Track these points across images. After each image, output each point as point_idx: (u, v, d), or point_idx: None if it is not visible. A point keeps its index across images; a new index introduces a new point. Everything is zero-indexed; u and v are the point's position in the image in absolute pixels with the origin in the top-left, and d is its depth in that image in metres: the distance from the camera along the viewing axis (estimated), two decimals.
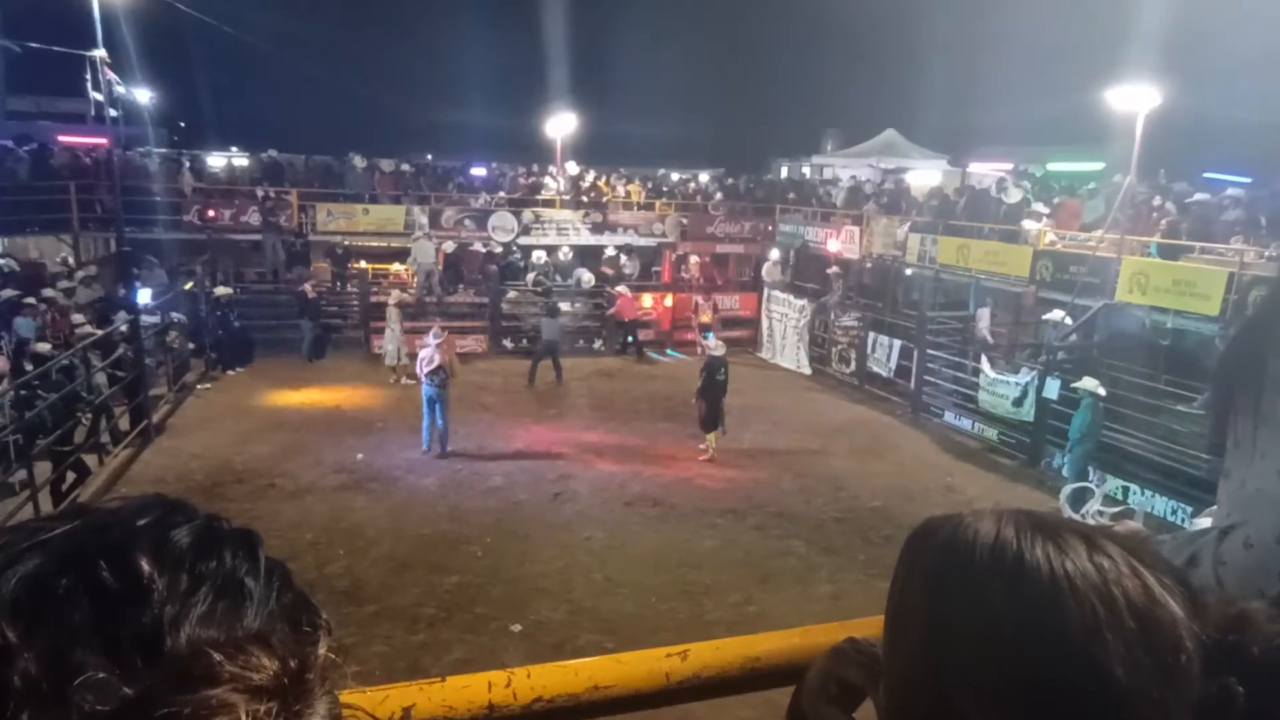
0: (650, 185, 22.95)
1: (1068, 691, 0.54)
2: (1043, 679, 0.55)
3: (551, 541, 9.02)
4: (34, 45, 17.60)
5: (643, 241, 20.61)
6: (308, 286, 16.80)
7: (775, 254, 19.96)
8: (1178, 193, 14.12)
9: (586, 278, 19.24)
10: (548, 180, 21.68)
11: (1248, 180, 15.60)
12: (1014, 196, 15.35)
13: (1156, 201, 13.76)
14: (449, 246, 18.90)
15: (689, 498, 10.42)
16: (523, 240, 19.74)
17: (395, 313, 15.34)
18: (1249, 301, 9.74)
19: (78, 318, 12.21)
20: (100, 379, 10.88)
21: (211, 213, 18.19)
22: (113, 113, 13.56)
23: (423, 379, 11.17)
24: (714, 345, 12.25)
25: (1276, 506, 0.92)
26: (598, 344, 18.88)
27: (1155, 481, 10.30)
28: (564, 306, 17.93)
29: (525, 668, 0.95)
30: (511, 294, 18.87)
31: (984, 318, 14.81)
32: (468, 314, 18.82)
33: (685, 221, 20.99)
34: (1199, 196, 13.52)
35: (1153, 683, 0.54)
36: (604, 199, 21.29)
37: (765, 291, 19.20)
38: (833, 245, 18.67)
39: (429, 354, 11.10)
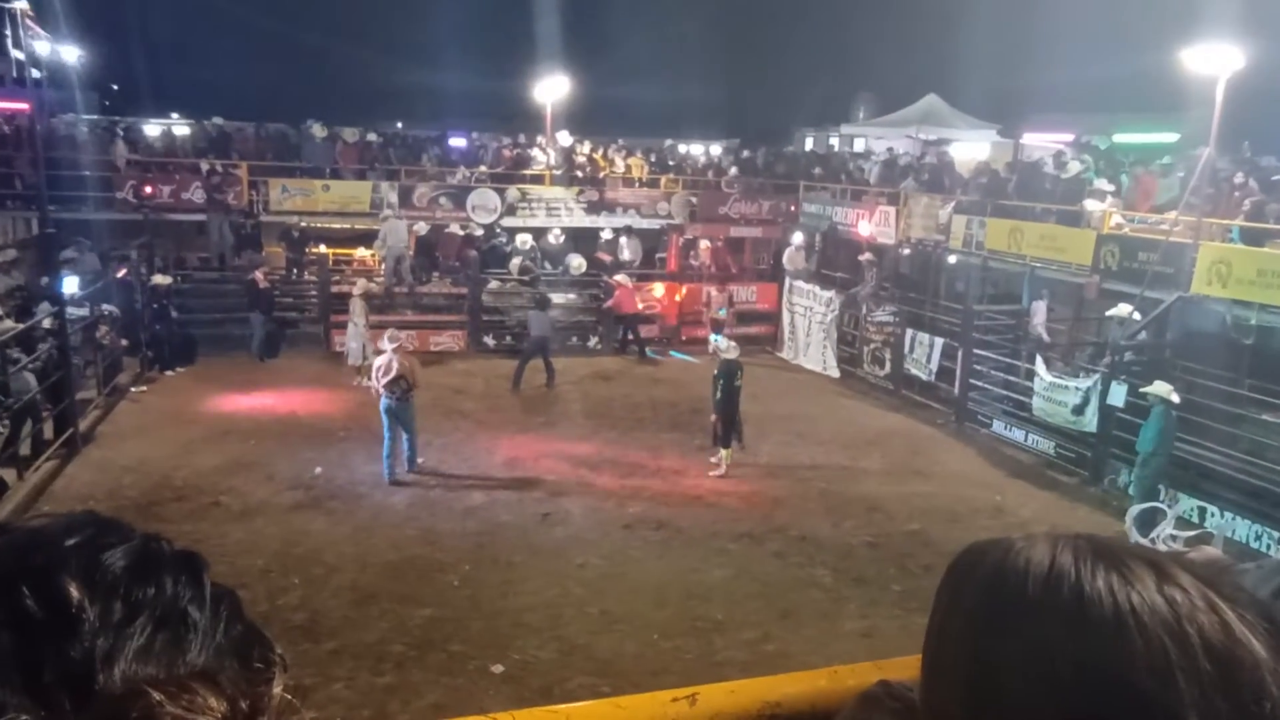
0: (654, 159, 22.97)
1: None
2: None
3: (539, 569, 9.02)
4: None
5: (645, 223, 20.64)
6: (259, 275, 16.83)
7: (798, 238, 19.97)
8: (1264, 169, 14.11)
9: (576, 263, 19.25)
10: (536, 153, 21.71)
11: None
12: (1072, 170, 15.34)
13: (1239, 179, 13.74)
14: (422, 228, 18.92)
15: (698, 519, 10.41)
16: (507, 221, 19.78)
17: (360, 305, 15.32)
18: None
19: None
20: (21, 381, 10.89)
21: (149, 189, 18.20)
22: (35, 74, 13.60)
23: (381, 391, 10.96)
24: (726, 347, 12.25)
25: None
26: (593, 341, 18.89)
27: (1236, 502, 10.28)
28: (556, 298, 17.96)
29: (509, 713, 0.95)
30: (494, 284, 18.90)
31: (1039, 312, 14.79)
32: (444, 307, 18.87)
33: (695, 201, 21.02)
34: None
35: None
36: (601, 174, 21.32)
37: (787, 282, 19.19)
38: (865, 228, 18.67)
39: (386, 361, 10.93)
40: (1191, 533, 9.48)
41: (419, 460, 11.37)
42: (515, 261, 18.94)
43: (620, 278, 18.36)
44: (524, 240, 19.44)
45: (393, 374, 10.81)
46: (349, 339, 15.41)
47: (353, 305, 15.43)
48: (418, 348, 17.73)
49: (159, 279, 16.08)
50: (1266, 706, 0.54)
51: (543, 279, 18.77)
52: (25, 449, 10.87)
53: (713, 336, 17.21)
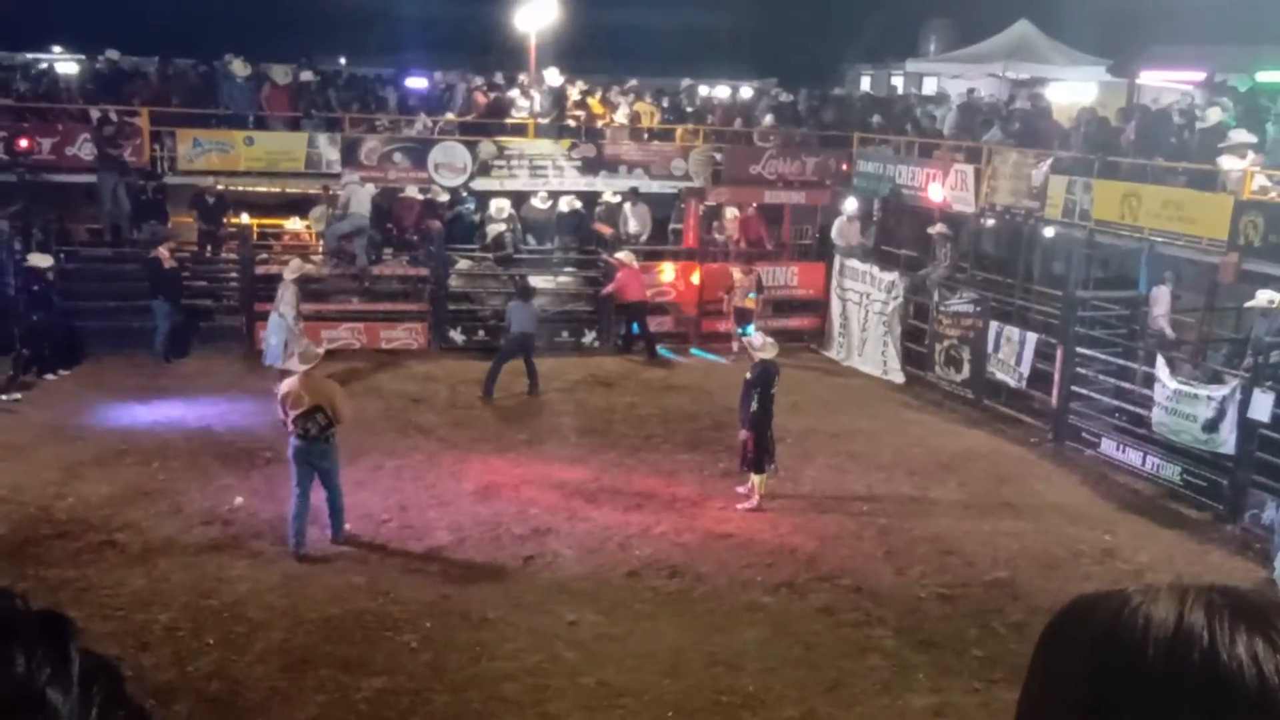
0: (668, 103, 22.99)
1: None
2: None
3: (520, 628, 9.03)
4: None
5: (656, 186, 20.67)
6: (163, 252, 16.89)
7: (851, 206, 19.97)
8: None
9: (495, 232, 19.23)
10: (516, 96, 21.75)
11: None
12: (1212, 119, 15.27)
13: None
14: (370, 191, 18.95)
15: (723, 564, 10.43)
16: (479, 184, 19.81)
17: (291, 291, 15.28)
18: None
19: None
20: None
21: (24, 143, 18.29)
22: None
23: (289, 430, 10.14)
24: (761, 344, 12.24)
25: None
26: (589, 337, 18.92)
27: None
28: (542, 283, 17.98)
29: None
30: (463, 264, 18.93)
31: (1162, 300, 14.76)
32: (399, 293, 18.91)
33: (719, 157, 21.03)
34: None
35: None
36: (599, 124, 21.34)
37: (837, 261, 19.22)
38: (937, 193, 18.65)
39: (293, 389, 10.05)
40: None
41: (346, 527, 10.52)
42: (492, 229, 18.95)
43: (623, 256, 18.36)
44: (500, 208, 19.47)
45: (304, 406, 9.91)
46: (269, 332, 15.28)
47: (282, 291, 15.34)
48: (365, 344, 17.88)
49: (37, 259, 16.13)
50: None
51: (525, 259, 18.82)
52: None
53: (741, 330, 17.27)
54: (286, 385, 10.16)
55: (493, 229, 19.19)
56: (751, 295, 18.59)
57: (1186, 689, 0.58)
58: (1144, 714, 0.59)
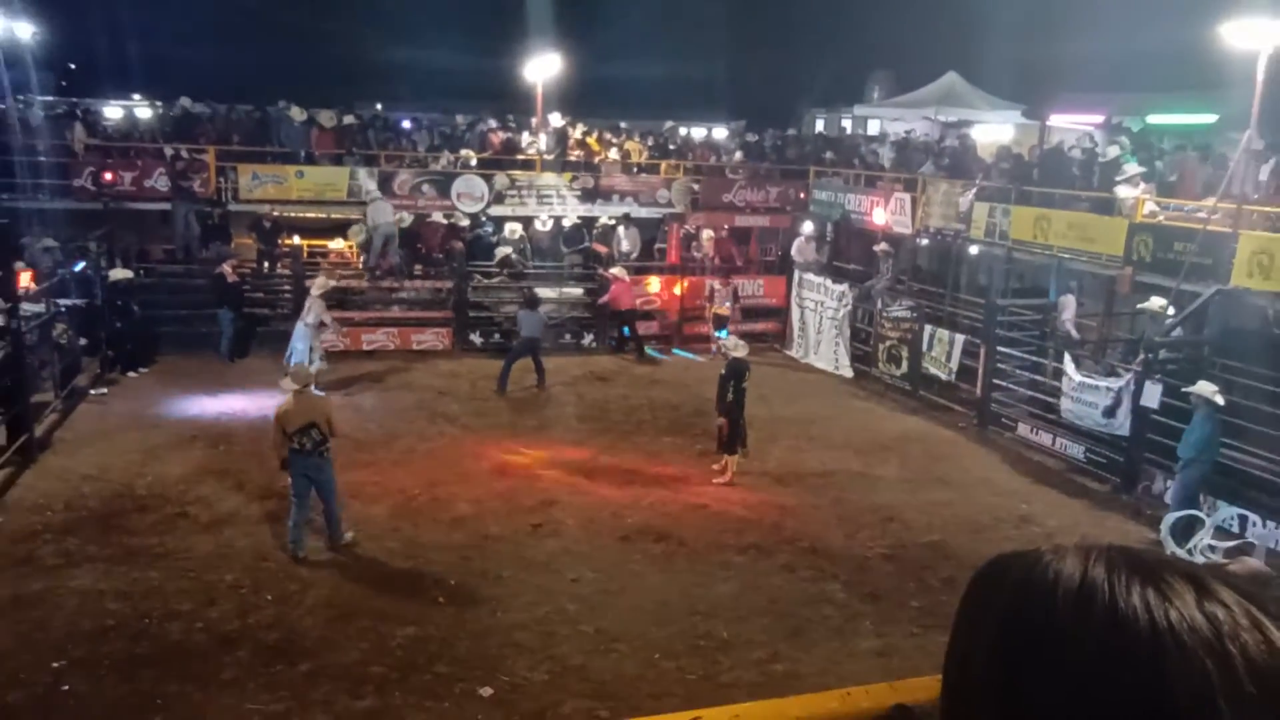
0: (653, 142, 22.97)
1: None
2: None
3: (530, 585, 9.03)
4: None
5: (644, 212, 20.65)
6: (227, 268, 16.83)
7: (809, 228, 19.99)
8: None
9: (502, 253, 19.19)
10: (526, 136, 21.71)
11: None
12: (1112, 154, 15.33)
13: (1271, 162, 13.74)
14: (405, 219, 18.93)
15: (702, 530, 10.43)
16: (495, 210, 19.78)
17: (318, 304, 14.86)
18: None
19: None
20: None
21: (109, 176, 18.19)
22: None
23: (279, 446, 9.38)
24: (734, 345, 12.28)
25: None
26: (588, 339, 18.91)
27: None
28: (548, 293, 17.95)
29: None
30: (480, 278, 18.90)
31: (1069, 306, 14.81)
32: (427, 302, 18.89)
33: (697, 187, 21.02)
34: None
35: None
36: (596, 159, 21.32)
37: (796, 274, 19.21)
38: (879, 217, 18.67)
39: (291, 409, 9.23)
40: (1231, 543, 9.49)
41: (346, 535, 9.68)
42: (500, 251, 18.93)
43: (616, 271, 18.36)
44: (513, 229, 19.46)
45: (299, 423, 9.14)
46: (295, 339, 14.73)
47: (309, 303, 14.91)
48: (399, 346, 17.85)
49: (119, 273, 16.06)
50: None
51: (531, 273, 18.78)
52: None
53: (718, 333, 17.28)
54: (282, 404, 9.32)
55: (501, 250, 19.10)
56: (726, 304, 18.63)
57: (1091, 632, 0.58)
58: (1055, 654, 0.59)
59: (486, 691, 7.30)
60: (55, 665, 7.43)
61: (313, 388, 9.74)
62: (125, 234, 18.21)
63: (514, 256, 19.03)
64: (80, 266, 16.18)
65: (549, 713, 7.02)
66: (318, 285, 15.25)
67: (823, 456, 13.04)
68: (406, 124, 23.61)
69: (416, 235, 19.26)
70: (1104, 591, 0.59)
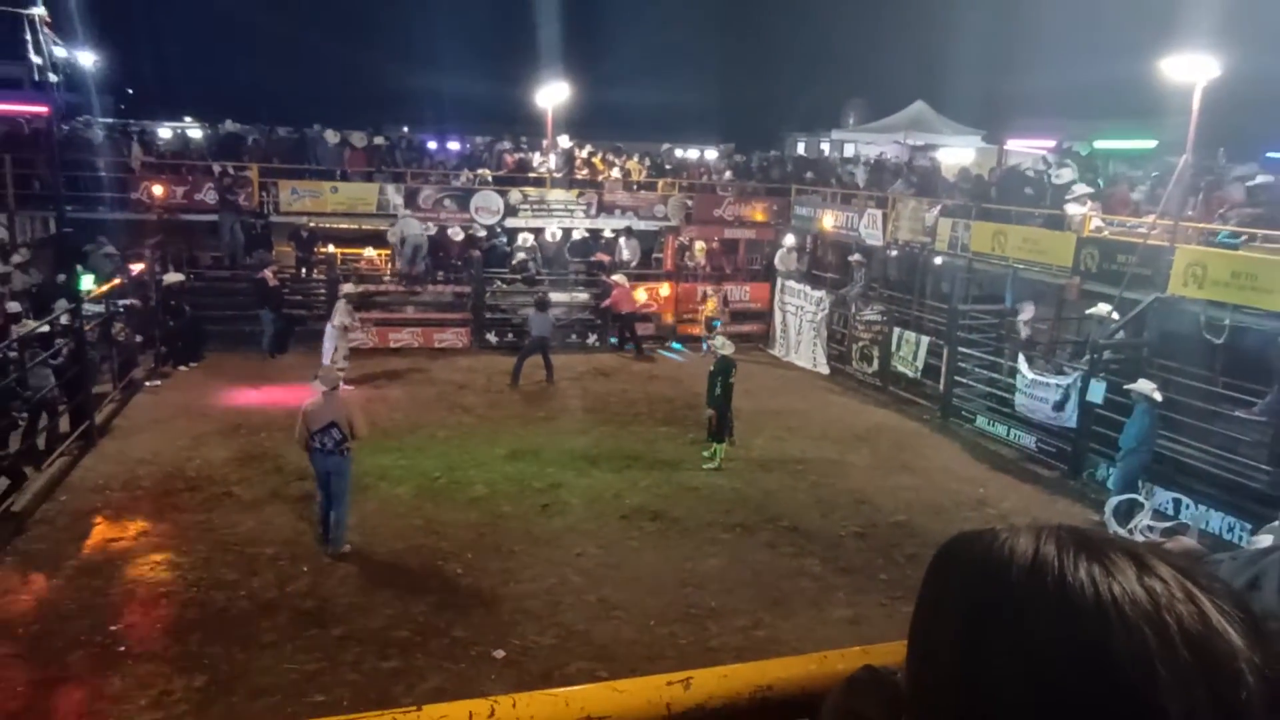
0: (651, 162, 22.94)
1: None
2: (1087, 717, 0.54)
3: (539, 558, 9.02)
4: None
5: (643, 225, 20.63)
6: (268, 273, 16.80)
7: (790, 240, 19.97)
8: (1242, 174, 14.10)
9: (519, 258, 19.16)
10: (537, 156, 21.68)
11: None
12: (1065, 177, 15.30)
13: (1204, 184, 13.73)
14: (430, 229, 18.92)
15: (692, 510, 10.43)
16: (509, 223, 19.77)
17: (342, 309, 14.75)
18: None
19: (13, 306, 12.20)
20: (39, 376, 10.86)
21: (161, 190, 18.16)
22: (53, 78, 13.53)
23: (311, 445, 8.74)
24: (722, 344, 12.27)
25: None
26: (592, 339, 18.90)
27: (1210, 495, 10.32)
28: (557, 296, 17.94)
29: (510, 696, 0.95)
30: (496, 283, 18.89)
31: (1027, 311, 14.79)
32: (448, 305, 18.88)
33: (690, 203, 21.00)
34: (1261, 179, 13.51)
35: None
36: (600, 177, 21.29)
37: (779, 281, 19.20)
38: (828, 222, 18.64)
39: (315, 408, 8.66)
40: (1167, 524, 9.53)
41: (344, 547, 8.86)
42: (518, 256, 18.99)
43: (618, 277, 18.36)
44: (525, 238, 19.49)
45: (324, 422, 8.58)
46: (325, 339, 14.75)
47: (337, 306, 14.96)
48: (422, 344, 17.84)
49: (172, 277, 16.06)
50: (1243, 695, 0.54)
51: (540, 278, 18.75)
52: (41, 442, 10.86)
53: (709, 334, 17.27)
54: (309, 403, 8.77)
55: (518, 255, 19.13)
56: (715, 324, 18.53)
57: (1042, 603, 0.58)
58: (1010, 623, 0.59)
59: (499, 654, 7.31)
60: (113, 629, 7.43)
61: (341, 386, 9.30)
62: (177, 242, 18.18)
63: (530, 263, 19.04)
64: (137, 271, 16.17)
65: (555, 673, 7.02)
66: (344, 290, 15.21)
67: (802, 445, 13.04)
68: (434, 145, 23.56)
69: (439, 244, 19.24)
70: (1054, 566, 0.59)
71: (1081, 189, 14.61)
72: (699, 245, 20.26)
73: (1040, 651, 0.56)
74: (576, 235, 19.95)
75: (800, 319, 18.31)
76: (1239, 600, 0.59)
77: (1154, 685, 0.53)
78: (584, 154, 22.25)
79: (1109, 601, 0.56)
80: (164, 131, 24.36)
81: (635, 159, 22.80)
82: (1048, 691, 0.55)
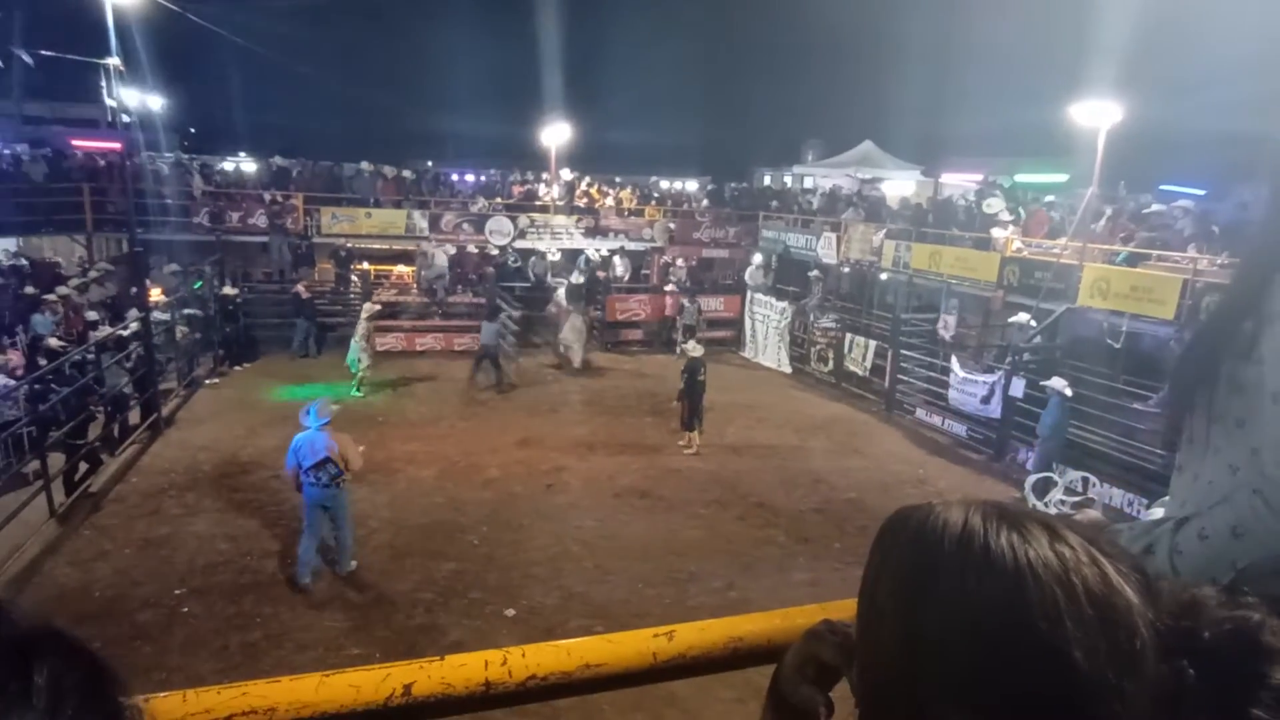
0: (641, 192, 22.93)
1: (1032, 676, 0.54)
2: (1007, 664, 0.55)
3: (544, 530, 9.00)
4: (48, 54, 17.37)
5: (633, 245, 20.61)
6: (301, 288, 16.73)
7: (758, 258, 19.99)
8: (1139, 203, 14.24)
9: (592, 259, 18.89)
10: (542, 187, 21.64)
11: (1201, 193, 15.74)
12: (994, 208, 15.36)
13: (1108, 211, 13.86)
14: (450, 250, 18.83)
15: (676, 489, 10.43)
16: (519, 244, 19.72)
17: (363, 324, 14.17)
18: (1202, 307, 9.83)
19: (91, 315, 12.09)
20: (113, 375, 10.77)
21: (220, 215, 18.02)
22: (125, 118, 13.41)
23: (302, 477, 7.43)
24: (692, 347, 12.30)
25: (1228, 499, 0.94)
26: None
27: (1113, 474, 10.40)
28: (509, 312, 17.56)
29: (520, 647, 0.95)
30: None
31: (950, 319, 14.84)
32: (465, 313, 18.82)
33: (673, 227, 20.99)
34: (1155, 207, 13.64)
35: (1111, 667, 0.54)
36: (596, 205, 21.27)
37: (748, 294, 19.21)
38: (805, 243, 18.65)
39: (308, 443, 7.37)
40: (1077, 499, 9.58)
41: (352, 564, 7.83)
42: (570, 279, 18.08)
43: (559, 295, 17.97)
44: (511, 251, 19.31)
45: (319, 456, 7.34)
46: (350, 350, 14.23)
47: (360, 324, 14.31)
48: (444, 347, 17.73)
49: (228, 290, 15.96)
50: (1138, 644, 0.55)
51: (503, 298, 18.23)
52: (115, 432, 10.77)
53: (685, 338, 17.26)
54: (300, 437, 7.50)
55: (530, 258, 18.92)
56: (690, 343, 18.39)
57: (970, 567, 0.58)
58: (943, 584, 0.59)
59: (510, 612, 7.29)
60: (177, 592, 7.37)
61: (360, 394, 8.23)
62: (233, 260, 18.07)
63: (515, 266, 18.49)
64: (198, 285, 16.06)
65: (558, 628, 7.01)
66: (365, 309, 14.61)
67: (768, 434, 13.06)
68: (455, 177, 23.46)
69: (458, 262, 19.17)
70: (979, 535, 0.59)
71: (1005, 216, 14.71)
72: (680, 262, 20.26)
73: (967, 606, 0.57)
74: (591, 253, 19.67)
75: (767, 326, 18.32)
76: (1136, 564, 0.60)
77: (1062, 636, 0.54)
78: (583, 185, 22.21)
79: (1025, 564, 0.57)
80: (222, 165, 24.16)
81: (627, 189, 22.80)
82: (973, 639, 0.56)
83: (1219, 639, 0.57)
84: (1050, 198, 16.24)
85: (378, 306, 15.18)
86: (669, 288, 18.39)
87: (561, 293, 17.32)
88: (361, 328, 14.18)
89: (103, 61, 12.06)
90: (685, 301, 19.00)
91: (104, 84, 12.14)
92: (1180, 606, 0.59)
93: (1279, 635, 0.56)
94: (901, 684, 0.60)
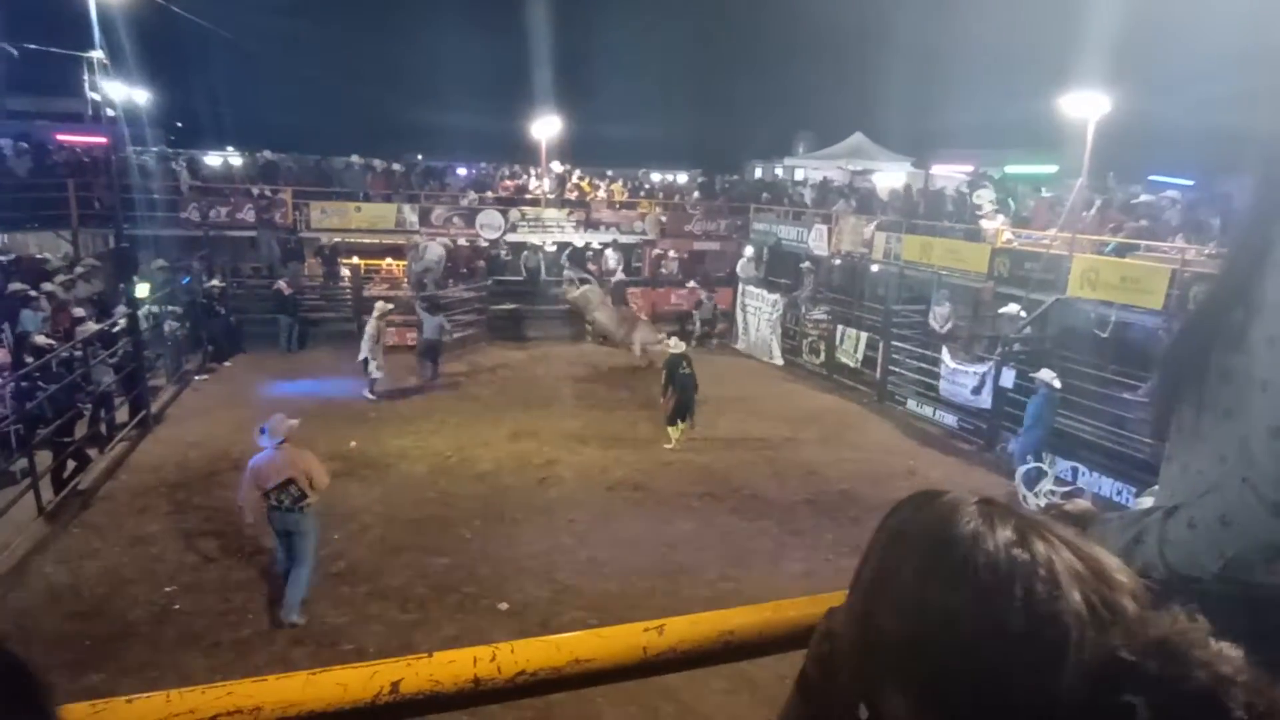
0: (631, 185, 22.88)
1: (957, 681, 0.58)
2: (998, 629, 0.58)
3: (537, 524, 8.99)
4: (31, 47, 17.15)
5: (624, 239, 20.58)
6: (282, 284, 16.63)
7: (750, 251, 19.99)
8: (1128, 194, 14.30)
9: (436, 255, 18.45)
10: (533, 180, 21.56)
11: (1189, 183, 15.83)
12: (985, 199, 15.40)
13: (1097, 203, 13.92)
14: (446, 243, 18.73)
15: (668, 482, 10.43)
16: (510, 238, 19.67)
17: (373, 324, 13.70)
18: (1190, 297, 9.89)
19: (78, 311, 11.98)
20: (100, 371, 10.68)
21: (208, 210, 17.88)
22: (110, 113, 13.27)
23: (268, 503, 6.78)
24: (674, 344, 12.29)
25: (1217, 488, 0.94)
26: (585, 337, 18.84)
27: (1102, 464, 10.47)
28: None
29: (509, 643, 0.94)
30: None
31: (943, 309, 14.88)
32: (458, 306, 18.77)
33: (665, 220, 20.96)
34: (1144, 198, 13.71)
35: (1033, 678, 0.56)
36: (588, 198, 21.21)
37: (740, 286, 19.22)
38: (774, 231, 18.68)
39: (267, 464, 6.69)
40: (1067, 489, 9.64)
41: (297, 618, 6.75)
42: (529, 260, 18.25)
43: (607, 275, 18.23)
44: (536, 248, 19.36)
45: (278, 479, 6.64)
46: (362, 350, 13.71)
47: (370, 324, 13.87)
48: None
49: (214, 283, 15.89)
50: (1062, 681, 0.56)
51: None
52: (103, 429, 10.68)
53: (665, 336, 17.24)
54: (258, 459, 6.78)
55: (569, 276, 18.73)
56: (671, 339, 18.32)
57: (971, 562, 0.60)
58: (952, 566, 0.61)
59: (503, 606, 7.29)
60: (168, 590, 7.34)
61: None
62: (221, 255, 17.94)
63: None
64: (186, 280, 15.95)
65: (552, 621, 7.01)
66: (378, 309, 13.85)
67: (760, 426, 13.07)
68: (461, 170, 23.28)
69: (450, 255, 19.11)
70: (968, 527, 0.61)
71: (991, 205, 14.76)
72: (672, 255, 20.29)
73: (970, 596, 0.59)
74: (581, 244, 19.70)
75: (759, 318, 18.34)
76: (1133, 587, 0.61)
77: (1056, 614, 0.57)
78: (574, 178, 22.14)
79: (1029, 557, 0.59)
80: (209, 159, 23.96)
81: (618, 182, 22.75)
82: (978, 619, 0.58)
83: (1180, 691, 0.56)
84: (1045, 192, 16.27)
85: (390, 305, 14.64)
86: (690, 284, 18.48)
87: (586, 289, 17.13)
88: (371, 326, 13.71)
89: (86, 55, 11.92)
90: (703, 297, 19.00)
91: (87, 78, 12.01)
92: (1149, 644, 0.57)
93: (1245, 699, 0.55)
94: (854, 655, 0.63)
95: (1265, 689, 0.55)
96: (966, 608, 0.57)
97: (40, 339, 10.08)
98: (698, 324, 18.76)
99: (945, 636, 0.57)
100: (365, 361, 13.58)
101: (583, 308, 16.84)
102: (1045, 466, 10.02)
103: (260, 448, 6.76)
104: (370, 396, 13.44)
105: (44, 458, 8.91)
